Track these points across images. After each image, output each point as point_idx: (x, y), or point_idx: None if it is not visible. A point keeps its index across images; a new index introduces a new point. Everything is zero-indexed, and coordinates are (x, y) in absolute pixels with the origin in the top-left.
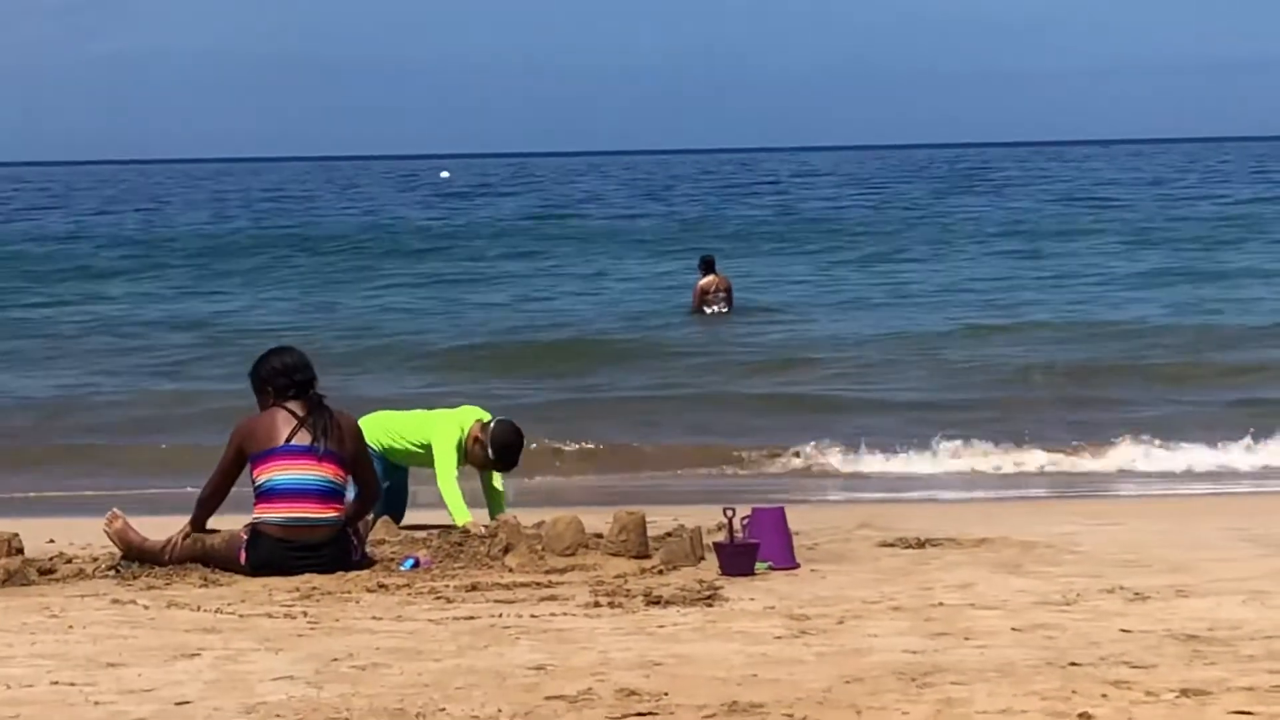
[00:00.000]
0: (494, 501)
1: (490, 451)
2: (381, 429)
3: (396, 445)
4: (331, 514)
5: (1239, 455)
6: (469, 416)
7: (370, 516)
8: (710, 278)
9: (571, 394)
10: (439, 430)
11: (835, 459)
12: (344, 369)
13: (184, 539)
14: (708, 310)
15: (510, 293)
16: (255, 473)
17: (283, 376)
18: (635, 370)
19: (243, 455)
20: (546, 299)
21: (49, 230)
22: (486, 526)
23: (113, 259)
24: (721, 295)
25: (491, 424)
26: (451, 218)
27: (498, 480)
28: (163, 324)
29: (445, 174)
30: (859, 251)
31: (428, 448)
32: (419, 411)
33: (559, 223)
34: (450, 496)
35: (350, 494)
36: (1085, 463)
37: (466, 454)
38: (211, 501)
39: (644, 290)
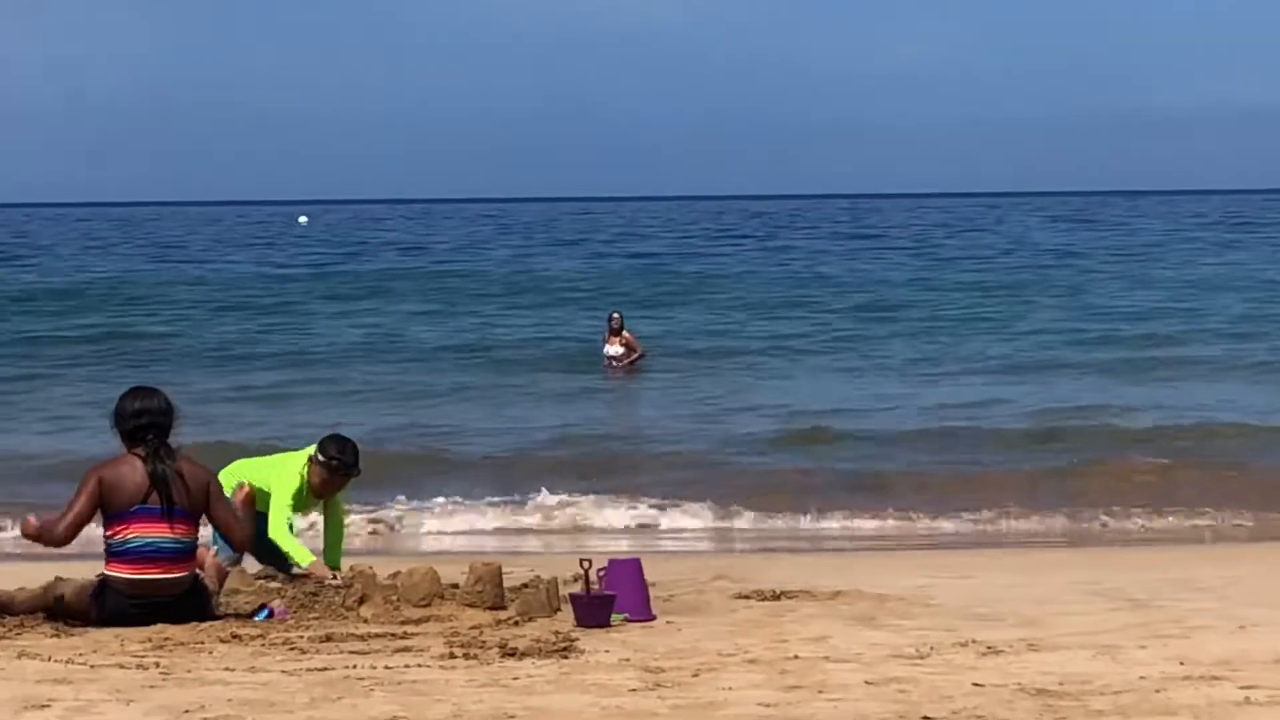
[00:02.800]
0: (332, 537)
1: (324, 458)
2: (235, 479)
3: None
4: (183, 573)
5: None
6: (303, 458)
7: (228, 565)
8: (624, 334)
9: None
10: (278, 480)
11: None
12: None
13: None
14: (613, 364)
15: None
16: (110, 530)
17: (134, 419)
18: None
19: (97, 504)
20: None
21: None
22: (338, 574)
23: None
24: (621, 351)
25: (317, 444)
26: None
27: (340, 511)
28: None
29: (303, 219)
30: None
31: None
32: (263, 458)
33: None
34: (285, 543)
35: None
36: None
37: (312, 488)
38: (57, 541)
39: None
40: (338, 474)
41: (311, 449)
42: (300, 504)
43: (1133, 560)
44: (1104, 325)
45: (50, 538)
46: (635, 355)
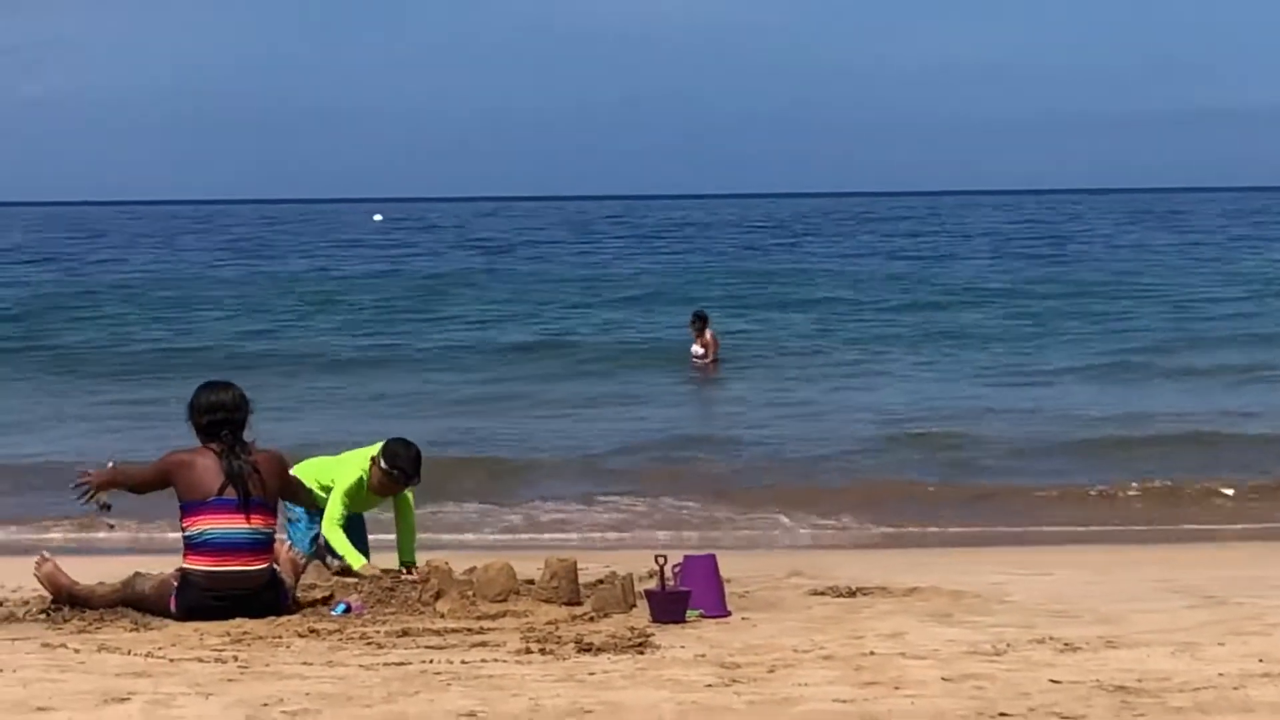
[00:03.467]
0: (404, 533)
1: (385, 465)
2: (303, 477)
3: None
4: (260, 565)
5: None
6: (367, 456)
7: (303, 559)
8: (706, 333)
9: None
10: (340, 475)
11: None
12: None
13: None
14: (697, 362)
15: None
16: (186, 522)
17: (209, 414)
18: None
19: (166, 485)
20: None
21: None
22: (414, 569)
23: None
24: (703, 351)
25: (380, 446)
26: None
27: (410, 507)
28: None
29: (378, 217)
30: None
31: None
32: (330, 457)
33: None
34: (336, 542)
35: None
36: None
37: (373, 487)
38: (124, 483)
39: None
40: (396, 482)
41: (376, 448)
42: (359, 501)
43: (1210, 558)
44: (1203, 326)
45: (125, 479)
46: (711, 358)
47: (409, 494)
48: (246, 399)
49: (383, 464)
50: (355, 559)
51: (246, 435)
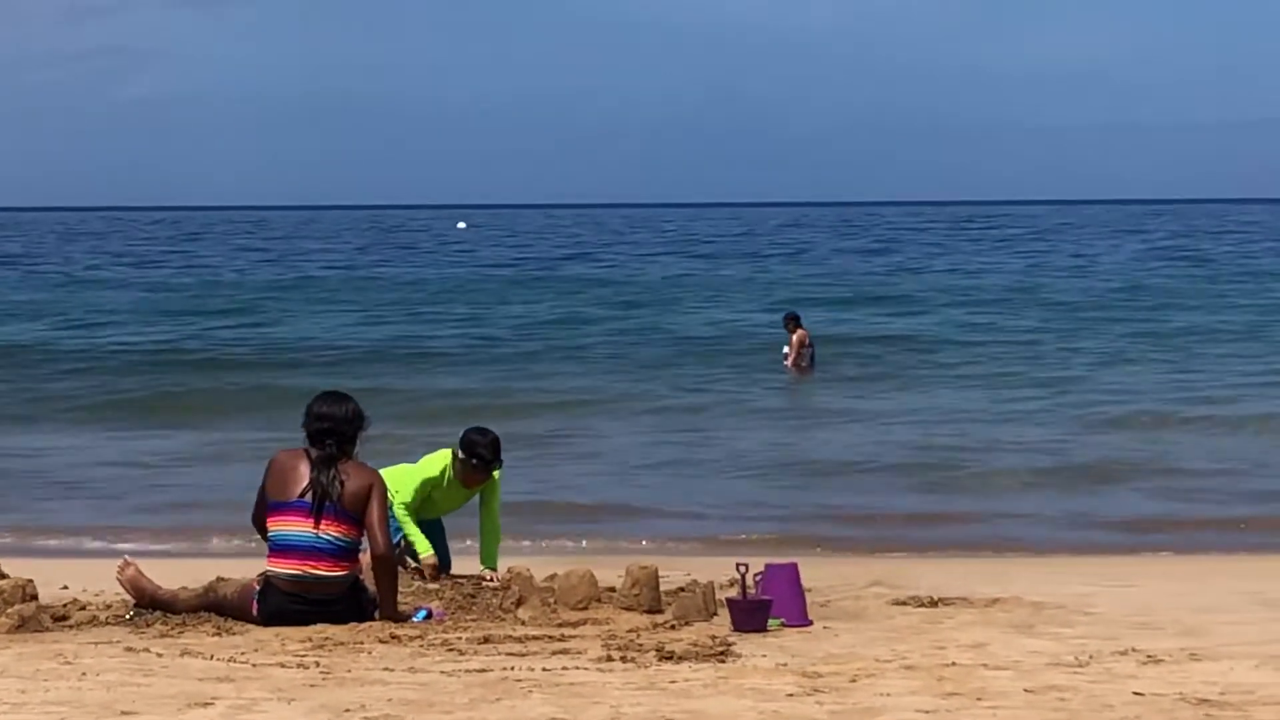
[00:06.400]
0: (488, 538)
1: (463, 454)
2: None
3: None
4: (341, 572)
5: None
6: (449, 453)
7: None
8: (801, 332)
9: None
10: (419, 470)
11: None
12: None
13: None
14: (802, 364)
15: None
16: (268, 520)
17: (314, 422)
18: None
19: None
20: None
21: None
22: (492, 575)
23: None
24: (809, 350)
25: (460, 438)
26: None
27: (495, 513)
28: None
29: (462, 225)
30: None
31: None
32: (407, 465)
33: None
34: (407, 526)
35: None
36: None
37: (459, 477)
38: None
39: None
40: (478, 470)
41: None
42: (442, 495)
43: None
44: None
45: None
46: (798, 358)
47: (495, 499)
48: (361, 415)
49: (461, 454)
50: (424, 546)
51: (356, 450)
